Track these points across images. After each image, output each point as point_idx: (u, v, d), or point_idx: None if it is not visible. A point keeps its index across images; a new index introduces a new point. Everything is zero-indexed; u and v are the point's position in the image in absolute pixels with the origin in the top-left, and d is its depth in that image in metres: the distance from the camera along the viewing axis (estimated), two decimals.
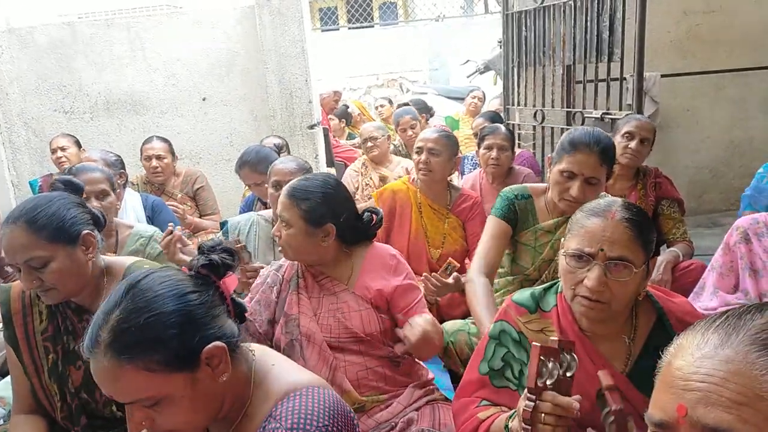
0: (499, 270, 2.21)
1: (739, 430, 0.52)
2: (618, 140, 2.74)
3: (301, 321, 1.76)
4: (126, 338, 0.95)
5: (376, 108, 6.82)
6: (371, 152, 4.11)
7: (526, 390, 1.13)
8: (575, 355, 1.14)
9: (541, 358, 1.12)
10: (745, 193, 2.71)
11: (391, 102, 6.91)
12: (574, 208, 2.02)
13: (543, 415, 1.12)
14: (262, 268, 2.07)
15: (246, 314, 1.23)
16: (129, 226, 2.41)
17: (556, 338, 1.15)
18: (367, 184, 4.08)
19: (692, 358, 0.58)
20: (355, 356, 1.74)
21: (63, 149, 3.70)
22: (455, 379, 2.03)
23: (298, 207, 1.74)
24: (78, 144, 3.81)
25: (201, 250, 1.10)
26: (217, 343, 1.00)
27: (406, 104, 5.94)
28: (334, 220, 1.76)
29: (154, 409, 0.98)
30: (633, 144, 2.70)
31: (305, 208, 1.74)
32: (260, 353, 1.16)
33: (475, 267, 2.11)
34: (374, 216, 1.90)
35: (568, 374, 1.13)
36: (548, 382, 1.12)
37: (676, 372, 0.59)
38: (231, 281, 1.11)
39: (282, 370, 1.13)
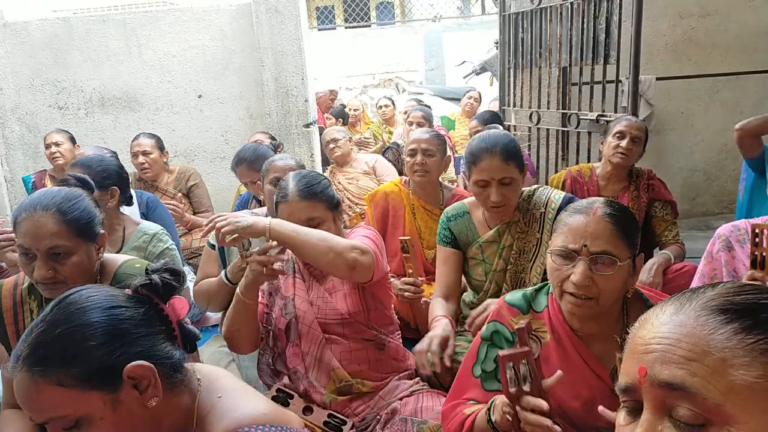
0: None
1: (689, 383, 0.57)
2: (609, 140, 2.76)
3: (296, 302, 1.84)
4: (40, 351, 0.89)
5: (379, 108, 6.71)
6: (333, 153, 4.17)
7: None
8: (532, 366, 1.17)
9: (509, 364, 1.15)
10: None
11: (393, 102, 6.82)
12: (504, 212, 2.05)
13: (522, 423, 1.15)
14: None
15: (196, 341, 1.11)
16: (135, 223, 2.45)
17: (520, 324, 1.20)
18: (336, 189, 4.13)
19: (651, 326, 0.64)
20: (340, 338, 1.79)
21: (57, 144, 3.69)
22: None
23: (321, 200, 1.84)
24: (72, 140, 3.80)
25: (146, 271, 1.04)
26: (142, 362, 0.91)
27: (428, 106, 5.94)
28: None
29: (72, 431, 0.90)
30: (624, 143, 2.70)
31: (325, 198, 1.85)
32: (208, 383, 1.05)
33: (435, 293, 2.17)
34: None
35: (528, 384, 1.16)
36: (525, 388, 1.15)
37: (638, 340, 0.65)
38: (180, 305, 1.03)
39: (228, 404, 1.01)
